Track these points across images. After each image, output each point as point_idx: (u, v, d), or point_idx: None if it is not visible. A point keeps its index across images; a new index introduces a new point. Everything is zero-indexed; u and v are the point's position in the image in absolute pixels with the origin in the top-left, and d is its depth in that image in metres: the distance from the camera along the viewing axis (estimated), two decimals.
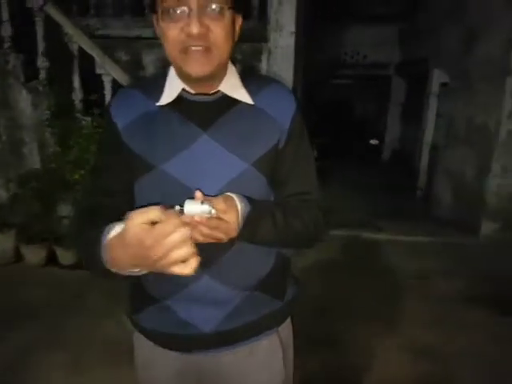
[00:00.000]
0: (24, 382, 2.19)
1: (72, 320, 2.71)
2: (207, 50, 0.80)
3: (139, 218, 0.62)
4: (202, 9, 0.77)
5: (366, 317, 2.87)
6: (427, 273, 3.62)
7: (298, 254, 3.42)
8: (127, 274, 0.73)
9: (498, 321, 2.85)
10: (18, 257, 3.52)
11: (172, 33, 0.80)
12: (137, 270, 0.71)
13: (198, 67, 0.82)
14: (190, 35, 0.78)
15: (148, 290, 0.97)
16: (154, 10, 0.83)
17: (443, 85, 5.94)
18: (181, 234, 0.61)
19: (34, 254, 3.47)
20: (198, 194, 0.74)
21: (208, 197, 0.76)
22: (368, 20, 7.39)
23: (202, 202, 0.73)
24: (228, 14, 0.81)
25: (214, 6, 0.78)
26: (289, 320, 1.10)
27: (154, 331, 0.98)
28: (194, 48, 0.80)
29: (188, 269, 0.64)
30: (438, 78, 6.02)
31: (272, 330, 1.02)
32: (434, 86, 6.10)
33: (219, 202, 0.76)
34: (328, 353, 2.48)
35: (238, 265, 0.93)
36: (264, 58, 3.68)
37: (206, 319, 0.94)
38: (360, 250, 4.20)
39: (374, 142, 8.90)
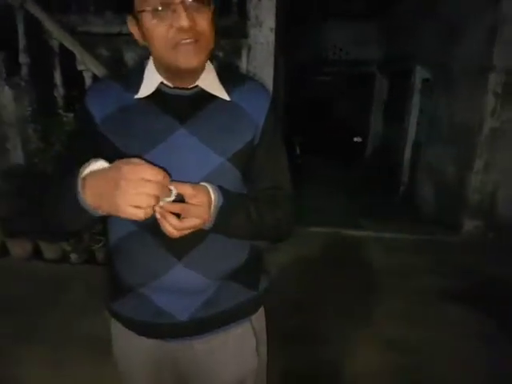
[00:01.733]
0: (3, 378, 2.18)
1: (54, 314, 2.72)
2: (196, 42, 0.83)
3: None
4: (187, 2, 0.80)
5: (343, 312, 2.91)
6: (407, 269, 3.65)
7: (276, 250, 3.52)
8: (91, 212, 0.78)
9: (475, 318, 2.87)
10: (4, 251, 3.54)
11: (160, 30, 0.81)
12: (98, 208, 0.77)
13: (189, 59, 0.84)
14: (180, 29, 0.80)
15: (124, 279, 0.99)
16: (132, 13, 0.85)
17: (425, 81, 6.00)
18: (155, 176, 0.72)
19: (19, 248, 3.51)
20: None
21: (177, 183, 0.78)
22: (349, 16, 7.44)
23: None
24: (211, 6, 0.84)
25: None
26: (262, 310, 1.13)
27: (130, 319, 1.01)
28: (184, 41, 0.82)
29: (141, 213, 0.72)
30: (420, 74, 6.06)
31: (245, 319, 1.06)
32: (417, 83, 6.14)
33: (186, 187, 0.79)
34: (303, 347, 2.51)
35: (212, 254, 0.96)
36: (244, 54, 3.72)
37: (181, 308, 0.97)
38: (340, 247, 4.22)
39: (357, 139, 8.96)
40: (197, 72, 0.91)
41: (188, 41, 0.82)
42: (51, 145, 3.25)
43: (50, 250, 3.48)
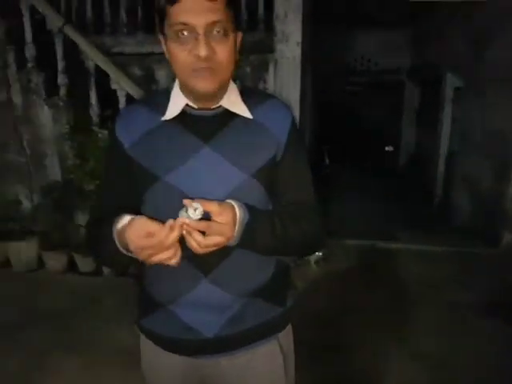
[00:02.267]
0: None
1: (87, 325, 2.81)
2: (213, 70, 0.86)
3: (139, 226, 0.80)
4: (208, 33, 0.83)
5: (376, 326, 2.86)
6: (442, 282, 3.55)
7: (307, 263, 3.50)
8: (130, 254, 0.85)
9: (510, 333, 2.78)
10: (41, 264, 3.68)
11: (181, 55, 0.86)
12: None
13: (204, 85, 0.88)
14: (198, 57, 0.84)
15: (154, 296, 1.02)
16: (162, 32, 0.90)
17: (457, 89, 5.87)
18: (172, 237, 0.77)
19: (55, 261, 3.63)
20: (185, 200, 0.80)
21: (204, 201, 0.81)
22: (377, 26, 7.39)
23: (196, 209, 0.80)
24: (232, 36, 0.88)
25: (218, 30, 0.84)
26: (289, 327, 1.12)
27: (158, 335, 1.03)
28: (201, 68, 0.85)
29: (171, 263, 0.81)
30: (451, 82, 5.93)
31: (272, 337, 1.05)
32: (448, 91, 6.00)
33: (212, 205, 0.81)
34: (336, 362, 2.48)
35: (238, 271, 0.97)
36: (271, 68, 3.77)
37: (208, 324, 0.98)
38: (374, 259, 4.13)
39: (388, 148, 8.81)
40: (217, 95, 0.94)
41: (205, 68, 0.86)
42: (86, 161, 3.39)
43: (84, 263, 3.59)
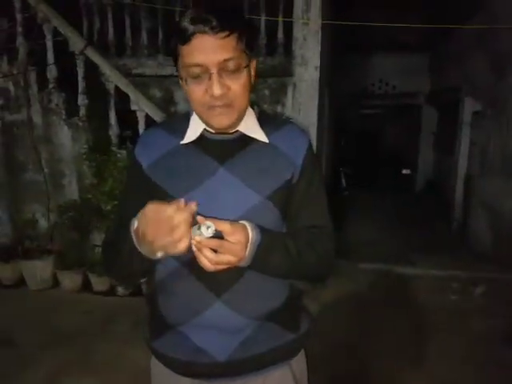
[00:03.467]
0: None
1: (102, 345, 2.79)
2: (228, 105, 0.89)
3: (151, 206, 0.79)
4: (221, 70, 0.85)
5: (392, 354, 2.77)
6: (461, 310, 3.45)
7: (321, 287, 3.43)
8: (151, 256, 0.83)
9: None
10: (55, 282, 3.68)
11: (197, 94, 0.88)
12: (154, 253, 0.82)
13: (220, 121, 0.91)
14: (213, 97, 0.86)
15: (165, 317, 1.01)
16: (178, 72, 0.92)
17: (475, 113, 5.83)
18: (178, 216, 0.75)
19: (69, 280, 3.63)
20: (198, 218, 0.80)
21: (216, 220, 0.81)
22: (395, 49, 7.43)
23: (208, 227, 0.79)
24: (245, 70, 0.89)
25: (232, 67, 0.86)
26: (302, 353, 1.10)
27: (169, 357, 1.01)
28: (217, 106, 0.88)
29: (179, 247, 0.77)
30: (470, 106, 5.90)
31: (284, 363, 1.04)
32: (467, 115, 5.98)
33: (224, 224, 0.81)
34: None
35: (251, 293, 0.96)
36: (289, 91, 3.79)
37: (220, 347, 0.96)
38: (391, 284, 4.05)
39: (406, 171, 8.76)
40: (232, 127, 0.96)
41: (220, 105, 0.88)
42: (104, 181, 3.40)
43: (98, 283, 3.58)
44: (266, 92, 3.85)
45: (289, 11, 3.78)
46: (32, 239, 3.77)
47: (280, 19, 3.83)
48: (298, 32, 3.73)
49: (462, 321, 3.27)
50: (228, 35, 0.84)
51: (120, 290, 3.54)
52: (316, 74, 3.73)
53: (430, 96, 7.88)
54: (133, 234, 0.84)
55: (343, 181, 7.30)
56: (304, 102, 3.79)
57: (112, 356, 2.66)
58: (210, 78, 0.85)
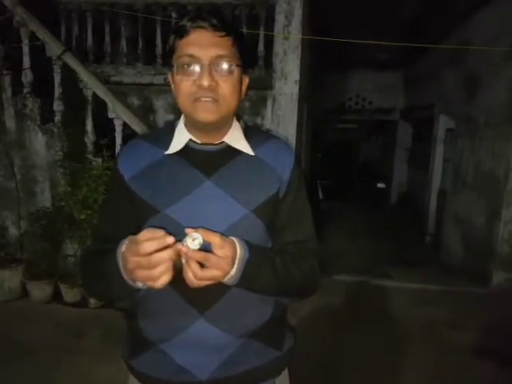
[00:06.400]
0: None
1: (70, 360, 2.67)
2: (215, 101, 0.88)
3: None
4: (213, 66, 0.87)
5: (368, 368, 2.77)
6: (434, 323, 3.49)
7: (299, 301, 3.42)
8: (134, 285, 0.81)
9: (505, 375, 2.71)
10: (24, 293, 3.54)
11: (185, 84, 0.88)
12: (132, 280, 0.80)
13: (206, 114, 0.89)
14: (200, 87, 0.86)
15: (145, 334, 0.97)
16: (170, 64, 0.93)
17: (449, 130, 5.99)
18: (161, 256, 0.73)
19: (39, 291, 3.50)
20: (187, 229, 0.78)
21: (207, 231, 0.79)
22: (372, 67, 7.61)
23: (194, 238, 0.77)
24: (236, 71, 0.90)
25: (224, 64, 0.88)
26: (286, 371, 1.08)
27: (148, 376, 0.98)
28: (203, 98, 0.87)
29: (158, 284, 0.75)
30: (443, 123, 6.08)
31: (269, 381, 1.01)
32: (440, 132, 6.15)
33: (215, 236, 0.79)
34: None
35: (235, 310, 0.94)
36: (269, 103, 3.82)
37: (202, 366, 0.94)
38: (366, 297, 4.08)
39: (380, 185, 8.93)
40: (219, 128, 0.95)
41: (207, 99, 0.88)
42: (79, 189, 3.32)
43: (69, 294, 3.47)
44: (246, 104, 3.87)
45: (270, 25, 3.83)
46: (1, 247, 3.63)
47: (261, 32, 3.87)
48: (278, 46, 3.77)
49: (432, 333, 3.31)
50: (225, 35, 0.87)
51: (92, 301, 3.44)
52: (295, 88, 3.77)
53: (405, 112, 8.07)
54: (119, 257, 0.81)
55: (320, 193, 7.38)
56: (283, 114, 3.82)
57: (80, 373, 2.54)
58: (200, 69, 0.86)
